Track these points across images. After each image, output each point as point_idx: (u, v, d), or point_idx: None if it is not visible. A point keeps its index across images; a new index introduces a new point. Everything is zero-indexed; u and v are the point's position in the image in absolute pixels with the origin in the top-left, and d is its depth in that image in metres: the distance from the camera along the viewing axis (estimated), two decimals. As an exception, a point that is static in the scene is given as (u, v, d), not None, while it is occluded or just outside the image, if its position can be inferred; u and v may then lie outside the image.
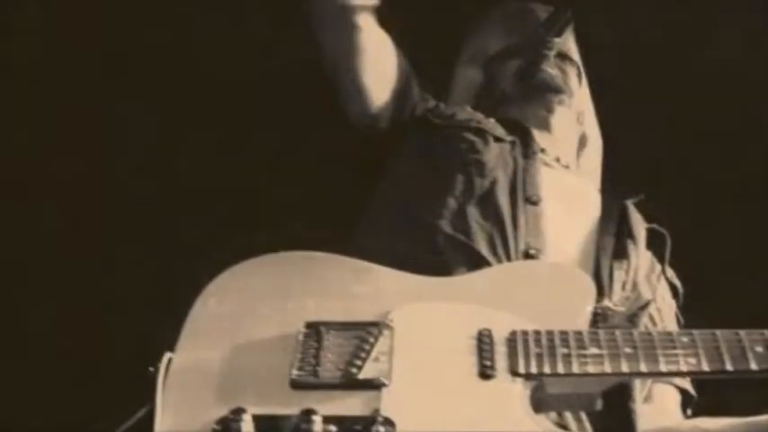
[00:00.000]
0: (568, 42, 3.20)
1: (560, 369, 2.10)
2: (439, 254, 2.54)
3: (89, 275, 3.75)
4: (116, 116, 3.83)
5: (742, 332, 2.15)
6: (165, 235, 3.77)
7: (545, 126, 3.02)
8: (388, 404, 2.04)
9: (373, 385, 2.07)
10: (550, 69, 3.08)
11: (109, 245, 3.79)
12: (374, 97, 2.87)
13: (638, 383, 2.53)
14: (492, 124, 2.90)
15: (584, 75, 3.23)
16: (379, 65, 2.86)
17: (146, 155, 3.84)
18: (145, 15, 3.80)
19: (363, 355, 2.12)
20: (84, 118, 3.80)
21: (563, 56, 3.14)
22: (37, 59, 3.83)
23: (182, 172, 3.83)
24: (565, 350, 2.13)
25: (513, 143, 2.85)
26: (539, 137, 2.95)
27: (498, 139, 2.83)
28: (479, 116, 2.93)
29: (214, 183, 3.82)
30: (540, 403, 2.12)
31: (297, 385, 2.08)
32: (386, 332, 2.18)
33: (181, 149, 3.84)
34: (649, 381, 2.60)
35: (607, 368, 2.11)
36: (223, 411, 2.02)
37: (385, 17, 2.86)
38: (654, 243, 2.80)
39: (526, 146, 2.87)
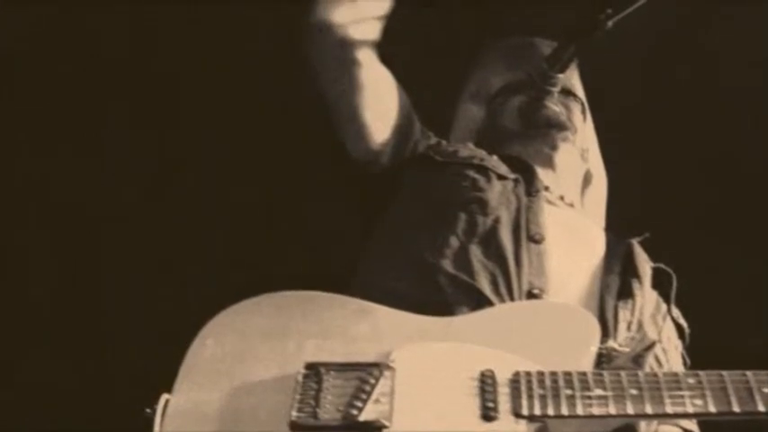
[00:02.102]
0: (572, 78, 3.21)
1: (564, 411, 2.12)
2: (441, 293, 2.55)
3: (85, 316, 3.76)
4: (112, 155, 3.85)
5: (749, 373, 2.16)
6: (162, 274, 3.78)
7: (549, 163, 3.02)
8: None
9: (374, 427, 2.09)
10: (554, 106, 3.08)
11: (105, 284, 3.80)
12: (375, 134, 2.88)
13: (643, 425, 2.53)
14: (495, 161, 2.91)
15: (588, 111, 3.24)
16: (379, 101, 2.88)
17: (141, 192, 3.86)
18: (140, 46, 3.83)
19: (364, 396, 2.14)
20: (78, 159, 3.82)
21: (567, 92, 3.15)
22: (33, 83, 3.86)
23: (179, 209, 3.84)
24: (569, 391, 2.14)
25: (516, 181, 2.86)
26: (542, 174, 2.96)
27: (501, 177, 2.84)
28: (482, 153, 2.94)
29: (213, 221, 3.84)
30: (543, 445, 2.13)
31: (296, 427, 2.10)
32: (387, 373, 2.19)
33: (177, 188, 3.85)
34: (655, 422, 2.60)
35: (612, 410, 2.12)
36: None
37: (386, 53, 2.88)
38: (660, 283, 2.80)
39: (529, 183, 2.88)
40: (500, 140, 3.08)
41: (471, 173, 2.83)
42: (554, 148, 3.05)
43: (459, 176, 2.83)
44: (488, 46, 3.39)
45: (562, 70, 3.04)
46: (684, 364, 2.78)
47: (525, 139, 3.07)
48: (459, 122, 3.29)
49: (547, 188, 2.92)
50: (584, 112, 3.22)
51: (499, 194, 2.78)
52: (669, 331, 2.77)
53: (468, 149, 2.97)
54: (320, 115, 2.91)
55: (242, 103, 3.86)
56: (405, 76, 2.95)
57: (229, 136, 3.88)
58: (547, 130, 3.07)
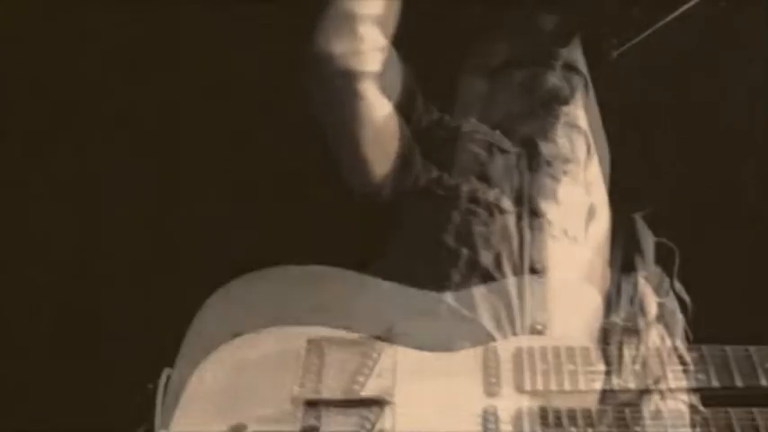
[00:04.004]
0: (575, 53, 3.21)
1: None
2: (442, 327, 2.54)
3: (82, 342, 3.77)
4: (108, 170, 3.85)
5: (752, 348, 2.19)
6: (162, 303, 3.77)
7: (553, 197, 2.99)
8: (392, 421, 2.08)
9: (377, 402, 2.11)
10: (557, 80, 3.09)
11: (103, 313, 3.80)
12: (376, 167, 2.86)
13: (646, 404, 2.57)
14: (498, 136, 2.92)
15: (591, 86, 3.24)
16: (381, 134, 2.86)
17: (139, 209, 3.86)
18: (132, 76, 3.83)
19: (366, 371, 2.15)
20: (75, 171, 3.82)
21: (569, 67, 3.15)
22: (29, 110, 3.86)
23: (178, 238, 3.84)
24: (573, 430, 2.16)
25: (519, 156, 2.86)
26: (545, 206, 2.91)
27: (503, 212, 2.84)
28: (484, 128, 2.95)
29: (211, 253, 3.83)
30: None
31: (298, 402, 2.12)
32: (388, 349, 2.21)
33: (174, 207, 3.85)
34: (657, 398, 2.63)
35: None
36: (223, 428, 2.06)
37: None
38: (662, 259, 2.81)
39: (532, 158, 2.88)
40: (503, 115, 3.08)
41: (474, 207, 2.81)
42: (558, 181, 3.03)
43: (461, 210, 2.81)
44: (491, 20, 3.39)
45: (564, 44, 3.04)
46: (687, 339, 2.80)
47: (528, 116, 3.06)
48: (461, 96, 3.28)
49: (550, 223, 2.90)
50: (586, 86, 3.21)
51: (502, 229, 2.77)
52: (672, 306, 2.78)
53: (471, 124, 2.97)
54: (320, 146, 2.91)
55: (242, 132, 3.84)
56: (407, 48, 2.95)
57: (228, 166, 3.87)
58: (549, 105, 3.06)
